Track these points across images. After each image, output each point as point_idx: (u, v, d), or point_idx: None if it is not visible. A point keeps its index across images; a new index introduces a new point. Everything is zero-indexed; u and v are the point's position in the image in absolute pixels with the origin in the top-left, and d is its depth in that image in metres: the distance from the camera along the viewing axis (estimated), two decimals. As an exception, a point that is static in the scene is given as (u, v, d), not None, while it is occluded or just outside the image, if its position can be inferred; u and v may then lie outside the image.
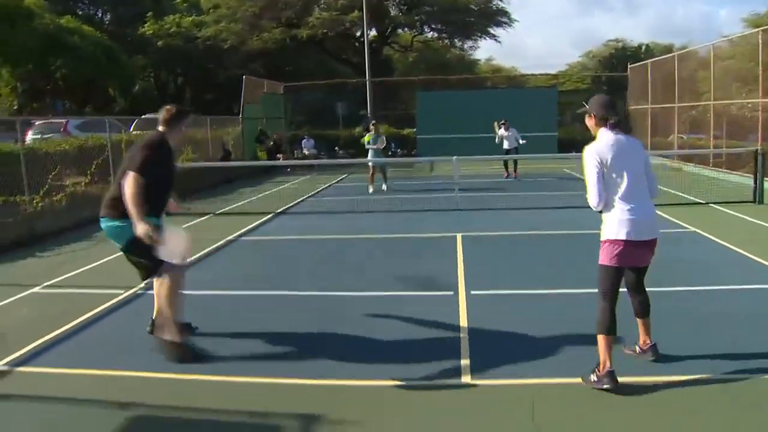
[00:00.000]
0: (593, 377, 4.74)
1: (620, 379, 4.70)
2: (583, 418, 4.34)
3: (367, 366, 5.38)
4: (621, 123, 4.87)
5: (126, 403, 4.74)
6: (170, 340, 5.58)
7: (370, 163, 17.70)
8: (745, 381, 4.80)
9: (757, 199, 13.28)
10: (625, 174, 4.71)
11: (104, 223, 5.75)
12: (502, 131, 19.32)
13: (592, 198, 4.76)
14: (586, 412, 4.44)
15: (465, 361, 5.35)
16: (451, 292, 7.40)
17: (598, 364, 4.73)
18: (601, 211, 4.86)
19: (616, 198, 4.73)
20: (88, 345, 6.13)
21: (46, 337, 6.23)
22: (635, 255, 4.80)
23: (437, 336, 6.05)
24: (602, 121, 4.86)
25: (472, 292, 7.34)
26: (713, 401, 4.53)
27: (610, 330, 4.74)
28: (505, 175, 19.95)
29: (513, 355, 5.49)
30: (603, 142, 4.79)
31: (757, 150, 13.77)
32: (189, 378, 5.21)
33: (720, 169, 18.94)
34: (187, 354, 5.58)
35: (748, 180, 14.80)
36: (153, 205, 5.59)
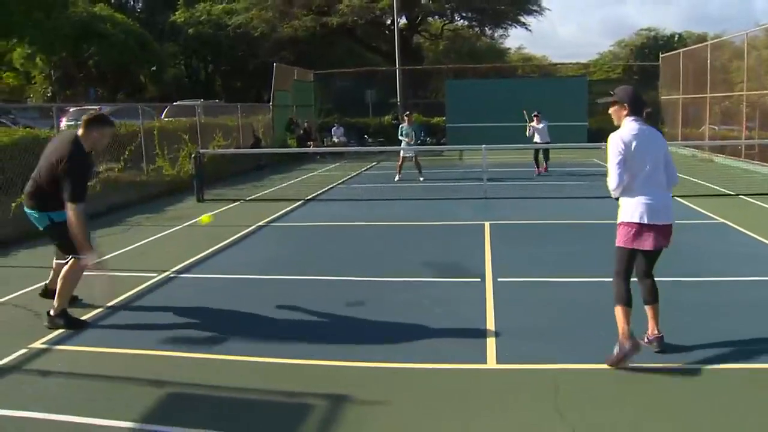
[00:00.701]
0: (616, 348, 4.92)
1: (645, 365, 4.83)
2: (606, 404, 4.42)
3: (394, 348, 5.50)
4: (642, 116, 5.12)
5: (161, 381, 4.89)
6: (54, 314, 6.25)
7: (401, 153, 17.42)
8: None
9: (789, 191, 13.18)
10: (645, 162, 5.00)
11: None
12: (534, 123, 17.91)
13: (612, 181, 5.06)
14: (610, 397, 4.52)
15: (491, 345, 5.45)
16: (478, 279, 7.49)
17: (619, 333, 4.96)
18: (617, 198, 5.20)
19: (635, 184, 5.03)
20: (123, 325, 6.31)
21: (83, 318, 6.40)
22: (648, 237, 5.03)
23: (464, 321, 6.14)
24: (634, 112, 5.09)
25: (499, 279, 7.42)
26: (738, 388, 4.60)
27: (625, 301, 5.03)
28: (536, 171, 18.25)
29: (538, 340, 5.59)
30: (627, 130, 5.04)
31: (789, 141, 13.65)
32: (221, 358, 5.37)
33: (752, 161, 18.73)
34: (65, 322, 6.22)
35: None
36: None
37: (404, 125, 17.35)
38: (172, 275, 8.02)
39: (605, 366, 4.93)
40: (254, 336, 5.91)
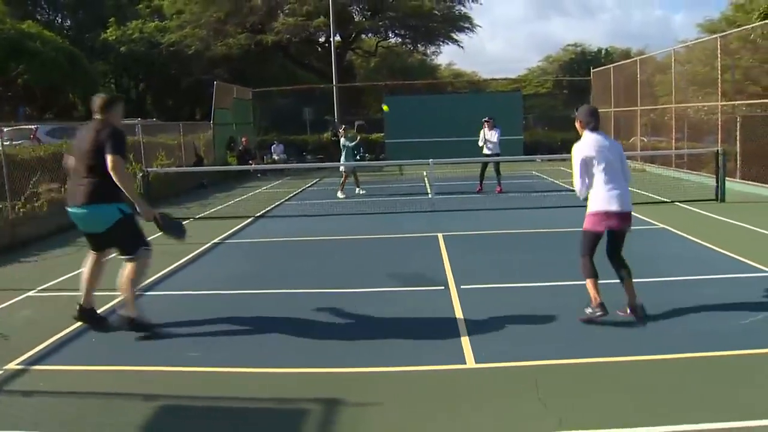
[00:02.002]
0: (588, 310, 6.18)
1: (617, 359, 5.35)
2: (586, 393, 4.73)
3: (376, 354, 5.71)
4: (597, 127, 6.37)
5: (150, 395, 4.97)
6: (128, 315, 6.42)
7: (341, 169, 17.46)
8: (730, 356, 5.32)
9: (719, 198, 13.87)
10: (603, 164, 6.17)
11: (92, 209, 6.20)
12: (485, 131, 16.59)
13: (577, 185, 6.32)
14: (588, 386, 4.85)
15: (467, 347, 5.72)
16: (442, 287, 7.76)
17: (591, 300, 6.16)
18: (585, 198, 6.37)
19: (598, 181, 6.21)
20: (97, 343, 6.33)
21: (55, 337, 6.41)
22: (609, 222, 6.21)
23: (437, 325, 6.40)
24: (588, 125, 6.35)
25: (462, 286, 7.71)
26: (697, 373, 5.01)
27: (592, 274, 6.22)
28: (478, 188, 17.08)
29: (511, 340, 5.90)
30: (585, 141, 6.31)
31: (718, 151, 14.37)
32: (207, 370, 5.48)
33: (682, 170, 19.58)
34: (141, 325, 6.42)
35: (708, 179, 15.46)
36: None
37: (342, 139, 17.29)
38: (137, 293, 8.00)
39: (579, 360, 5.32)
40: (235, 348, 6.04)
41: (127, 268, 6.36)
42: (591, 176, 6.22)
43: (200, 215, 14.81)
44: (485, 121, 16.66)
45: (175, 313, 7.21)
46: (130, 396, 5.01)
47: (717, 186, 14.07)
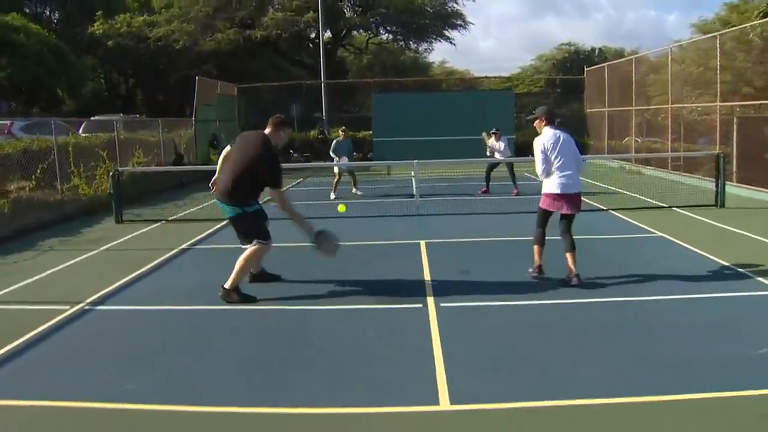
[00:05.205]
0: (530, 270, 7.91)
1: (609, 401, 4.58)
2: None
3: (334, 391, 4.94)
4: (560, 124, 7.81)
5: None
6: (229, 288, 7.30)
7: (336, 170, 16.77)
8: (715, 394, 4.61)
9: (719, 203, 13.21)
10: (559, 155, 7.51)
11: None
12: (492, 141, 16.50)
13: (539, 169, 7.63)
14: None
15: (441, 384, 4.95)
16: (420, 305, 7.02)
17: (533, 264, 7.89)
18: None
19: (554, 169, 7.55)
20: (26, 371, 5.56)
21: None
22: (561, 203, 7.60)
23: (409, 354, 5.64)
24: (549, 122, 7.68)
25: (442, 305, 6.96)
26: (687, 419, 4.28)
27: (540, 242, 7.80)
28: (483, 190, 16.87)
29: (493, 374, 5.18)
30: (546, 136, 7.63)
31: (718, 154, 13.71)
32: (140, 408, 4.73)
33: (678, 172, 18.99)
34: (239, 297, 7.30)
35: (704, 183, 14.85)
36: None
37: (340, 139, 16.83)
38: (86, 308, 7.29)
39: (568, 402, 4.58)
40: (177, 379, 5.28)
41: (246, 252, 7.37)
42: (549, 163, 7.52)
43: (172, 217, 14.02)
44: (492, 133, 16.47)
45: (121, 333, 6.53)
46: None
47: (717, 191, 13.40)
